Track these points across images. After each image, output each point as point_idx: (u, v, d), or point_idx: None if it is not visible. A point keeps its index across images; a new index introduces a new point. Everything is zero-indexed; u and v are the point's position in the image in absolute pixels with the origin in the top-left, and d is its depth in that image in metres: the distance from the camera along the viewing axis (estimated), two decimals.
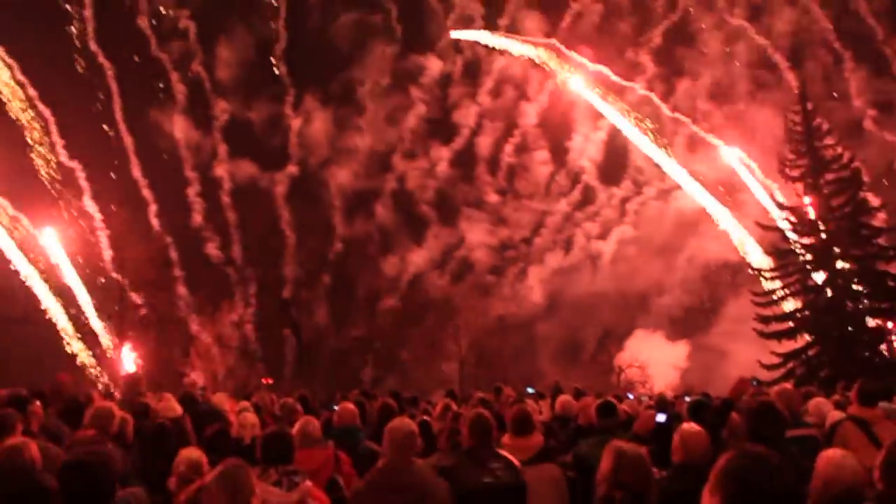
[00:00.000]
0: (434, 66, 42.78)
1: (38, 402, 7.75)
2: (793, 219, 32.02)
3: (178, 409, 9.16)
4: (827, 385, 20.14)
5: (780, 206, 32.81)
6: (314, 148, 41.71)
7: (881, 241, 31.10)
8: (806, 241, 31.74)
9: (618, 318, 38.98)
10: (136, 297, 35.55)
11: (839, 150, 32.31)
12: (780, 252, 32.00)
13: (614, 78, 40.81)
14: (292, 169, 41.21)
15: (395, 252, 41.61)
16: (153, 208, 38.29)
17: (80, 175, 37.23)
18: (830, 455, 4.82)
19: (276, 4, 42.09)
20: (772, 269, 32.16)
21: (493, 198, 42.56)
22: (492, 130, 42.63)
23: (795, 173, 32.41)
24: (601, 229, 41.32)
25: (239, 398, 12.48)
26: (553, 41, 41.66)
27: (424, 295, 40.77)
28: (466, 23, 43.07)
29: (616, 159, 41.71)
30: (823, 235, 31.34)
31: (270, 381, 34.01)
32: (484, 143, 42.67)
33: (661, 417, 8.32)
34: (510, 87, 43.04)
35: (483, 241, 41.62)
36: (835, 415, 8.47)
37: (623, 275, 38.76)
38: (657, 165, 40.56)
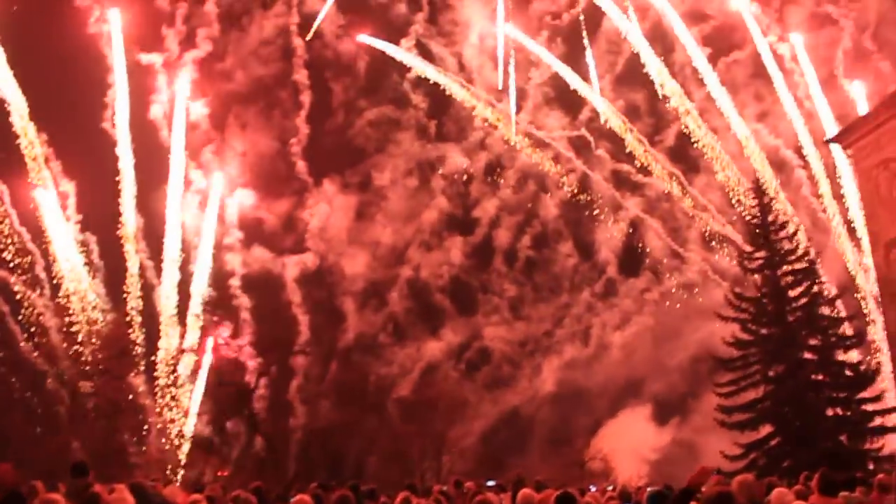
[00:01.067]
0: (457, 160, 43.33)
1: None
2: (752, 310, 32.50)
3: (131, 501, 8.81)
4: (790, 475, 20.04)
5: (739, 298, 33.26)
6: (330, 237, 41.69)
7: (839, 331, 31.60)
8: (765, 331, 32.14)
9: (612, 404, 38.96)
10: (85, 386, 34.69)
11: (795, 241, 33.11)
12: (740, 342, 32.26)
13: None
14: (306, 258, 40.93)
15: (409, 343, 41.37)
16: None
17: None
18: None
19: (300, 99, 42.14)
20: (732, 360, 32.32)
21: (510, 290, 42.70)
22: (511, 223, 43.24)
23: (754, 265, 33.12)
24: (619, 320, 41.58)
25: (191, 491, 12.06)
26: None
27: (437, 387, 40.29)
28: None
29: (635, 251, 42.33)
30: (782, 327, 31.79)
31: (225, 474, 33.01)
32: (503, 236, 43.20)
33: None
34: (532, 182, 43.69)
35: (499, 334, 41.81)
36: None
37: (628, 362, 39.01)
38: (676, 257, 41.41)
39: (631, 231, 42.87)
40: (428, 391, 40.03)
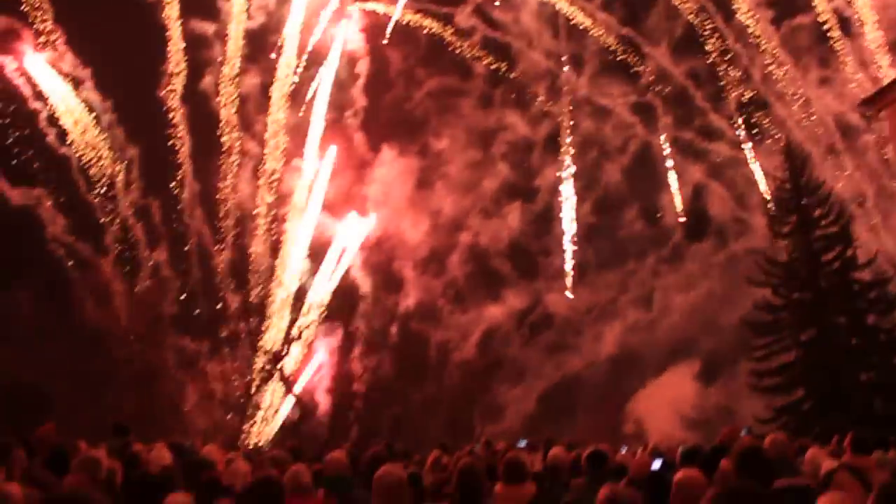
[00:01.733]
0: (518, 127, 42.81)
1: (20, 451, 7.66)
2: (782, 275, 32.28)
3: (169, 459, 9.08)
4: (822, 439, 20.02)
5: (771, 263, 32.98)
6: (390, 205, 41.51)
7: (872, 295, 31.29)
8: (796, 296, 31.94)
9: (661, 365, 38.96)
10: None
11: (828, 205, 32.65)
12: (771, 307, 32.08)
13: None
14: (366, 224, 40.95)
15: (470, 308, 41.29)
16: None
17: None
18: (831, 497, 4.78)
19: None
20: (764, 324, 32.18)
21: (574, 256, 42.37)
22: (573, 190, 42.69)
23: (784, 230, 32.80)
24: (683, 284, 41.01)
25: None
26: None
27: (497, 352, 40.56)
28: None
29: (699, 216, 41.92)
30: (814, 291, 31.56)
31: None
32: (565, 203, 42.56)
33: (656, 464, 8.26)
34: (594, 149, 43.07)
35: (561, 300, 41.59)
36: (829, 464, 8.44)
37: (686, 326, 38.84)
38: (740, 222, 41.18)
39: (695, 196, 42.42)
40: (488, 356, 40.30)
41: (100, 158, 37.51)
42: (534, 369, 40.26)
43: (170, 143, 38.55)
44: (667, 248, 42.05)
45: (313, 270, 39.32)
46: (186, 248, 38.65)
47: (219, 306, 38.20)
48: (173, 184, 38.66)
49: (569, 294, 41.83)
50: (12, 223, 35.19)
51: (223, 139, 39.56)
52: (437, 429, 36.99)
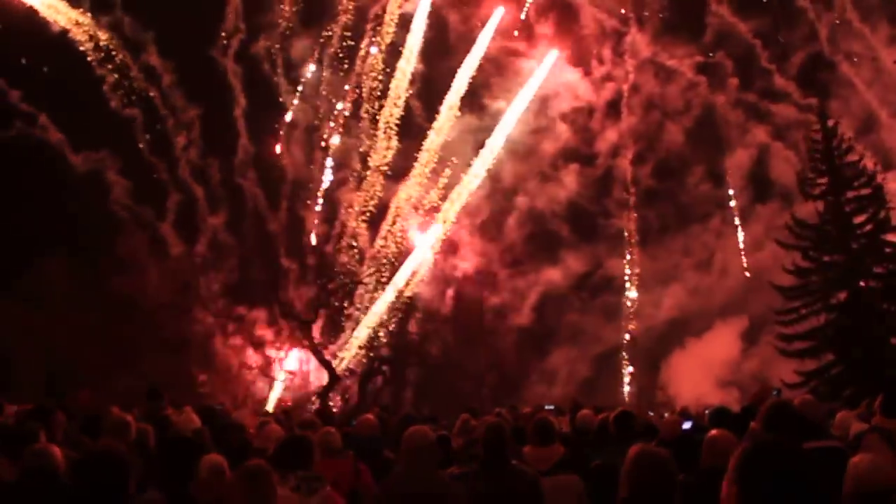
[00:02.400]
0: (579, 90, 41.74)
1: (61, 414, 7.86)
2: (813, 237, 31.87)
3: (198, 422, 9.24)
4: (851, 404, 19.91)
5: (801, 225, 32.57)
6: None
7: None
8: (827, 258, 31.56)
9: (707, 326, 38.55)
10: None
11: (861, 165, 32.09)
12: (801, 270, 31.73)
13: None
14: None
15: (527, 272, 40.84)
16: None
17: None
18: (863, 457, 4.78)
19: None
20: (793, 288, 31.87)
21: (635, 219, 41.98)
22: (634, 153, 42.10)
23: (816, 191, 32.29)
24: (746, 246, 40.55)
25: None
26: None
27: (554, 316, 40.21)
28: None
29: (764, 178, 41.12)
30: (845, 254, 31.15)
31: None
32: (626, 166, 42.06)
33: (686, 425, 8.27)
34: (656, 111, 42.23)
35: (621, 263, 41.41)
36: (858, 426, 8.39)
37: (745, 288, 38.39)
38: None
39: (759, 158, 41.76)
40: (546, 321, 40.12)
41: (161, 120, 37.65)
42: (590, 334, 39.92)
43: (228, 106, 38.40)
44: (729, 211, 41.39)
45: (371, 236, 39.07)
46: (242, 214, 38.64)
47: (275, 271, 38.33)
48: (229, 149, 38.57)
49: (629, 256, 41.64)
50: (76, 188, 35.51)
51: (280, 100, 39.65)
52: (488, 395, 37.16)
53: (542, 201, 41.11)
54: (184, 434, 7.88)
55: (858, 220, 31.34)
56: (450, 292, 40.61)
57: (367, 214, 38.92)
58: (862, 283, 30.61)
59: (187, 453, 6.13)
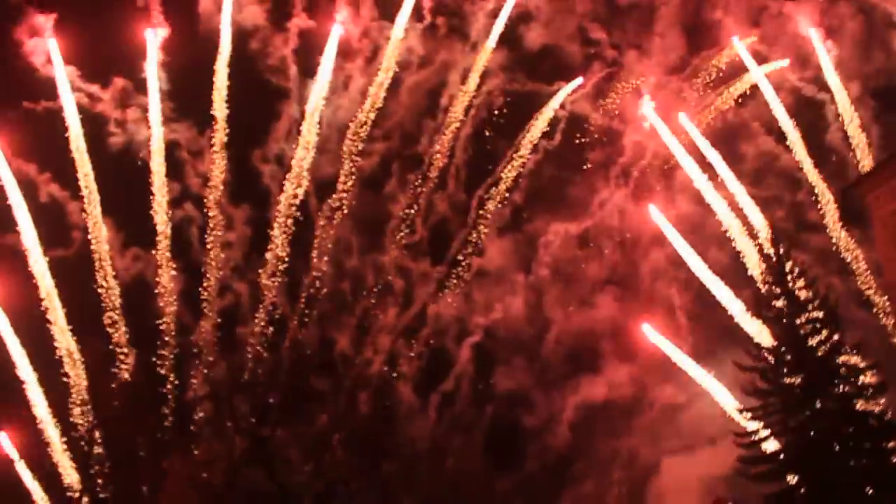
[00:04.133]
0: None
1: None
2: (771, 359, 31.99)
3: None
4: None
5: (759, 348, 32.78)
6: None
7: (861, 380, 30.91)
8: (785, 381, 31.57)
9: None
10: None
11: (815, 289, 32.58)
12: (759, 391, 31.69)
13: None
14: None
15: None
16: None
17: None
18: None
19: None
20: (752, 410, 31.73)
21: None
22: None
23: (771, 314, 32.64)
24: None
25: None
26: None
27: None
28: None
29: None
30: (802, 377, 31.22)
31: None
32: None
33: None
34: None
35: None
36: None
37: None
38: None
39: None
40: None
41: None
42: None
43: None
44: None
45: None
46: None
47: None
48: None
49: None
50: None
51: None
52: None
53: None
54: None
55: (813, 342, 31.52)
56: None
57: None
58: (819, 405, 30.49)
59: None
